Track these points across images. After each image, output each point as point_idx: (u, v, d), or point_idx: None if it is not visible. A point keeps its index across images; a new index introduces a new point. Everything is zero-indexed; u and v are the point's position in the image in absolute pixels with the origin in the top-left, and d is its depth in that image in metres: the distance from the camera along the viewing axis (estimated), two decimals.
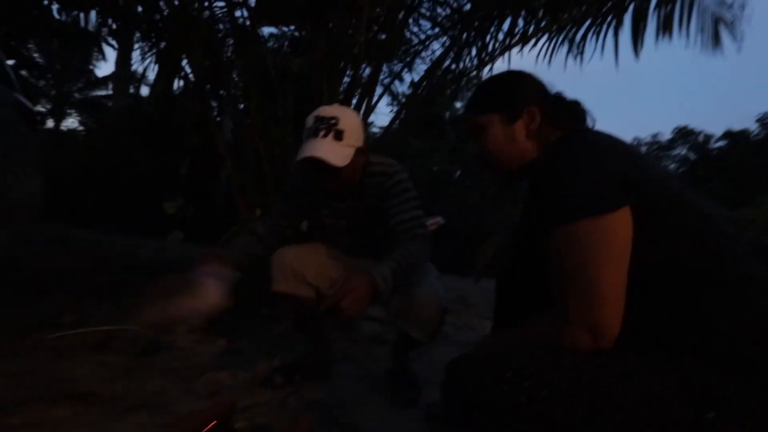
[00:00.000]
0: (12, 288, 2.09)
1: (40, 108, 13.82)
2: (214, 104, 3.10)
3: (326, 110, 1.23)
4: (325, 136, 1.18)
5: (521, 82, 0.88)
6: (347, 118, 1.22)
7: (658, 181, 0.69)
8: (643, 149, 16.56)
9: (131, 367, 1.39)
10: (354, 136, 1.22)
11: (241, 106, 2.93)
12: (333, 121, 1.19)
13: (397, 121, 3.06)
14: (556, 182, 0.70)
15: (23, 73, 9.78)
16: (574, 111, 0.87)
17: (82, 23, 3.05)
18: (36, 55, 11.93)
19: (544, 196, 0.72)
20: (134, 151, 6.58)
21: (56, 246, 3.62)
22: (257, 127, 2.40)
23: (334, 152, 1.17)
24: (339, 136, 1.19)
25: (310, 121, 1.23)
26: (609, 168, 0.68)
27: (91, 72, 14.67)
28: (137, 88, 12.13)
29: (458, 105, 14.08)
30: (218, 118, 3.00)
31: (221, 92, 2.90)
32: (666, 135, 22.87)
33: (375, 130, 7.64)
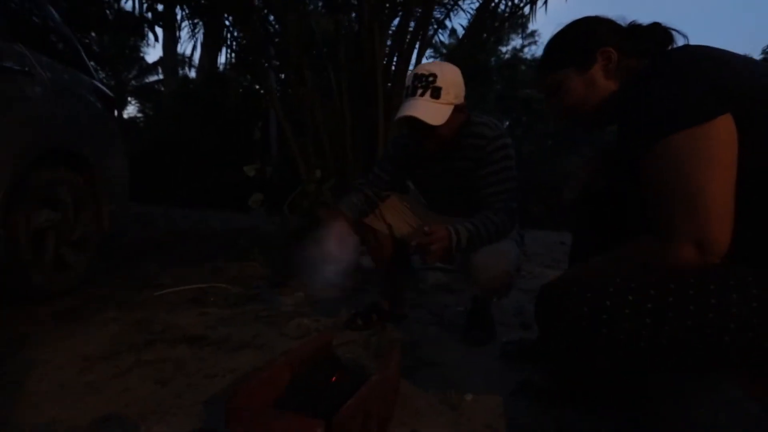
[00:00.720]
0: (118, 255, 2.38)
1: None
2: (266, 70, 3.14)
3: (424, 67, 1.21)
4: (423, 94, 1.17)
5: (585, 27, 0.85)
6: (446, 74, 1.19)
7: (760, 88, 0.64)
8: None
9: (228, 316, 1.55)
10: (452, 93, 1.19)
11: (292, 74, 2.96)
12: (431, 79, 1.18)
13: None
14: (645, 99, 0.67)
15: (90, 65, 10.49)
16: (655, 34, 0.81)
17: (130, 8, 3.18)
18: (94, 46, 12.68)
19: (634, 118, 0.69)
20: (192, 129, 6.95)
21: (138, 222, 4.03)
22: (310, 90, 2.43)
23: (430, 111, 1.16)
24: (436, 93, 1.17)
25: (408, 79, 1.22)
26: (702, 76, 0.63)
27: (142, 59, 15.41)
28: (186, 69, 12.60)
29: (504, 50, 13.18)
30: (272, 89, 3.06)
31: (269, 63, 2.94)
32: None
33: None
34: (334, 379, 0.84)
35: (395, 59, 2.54)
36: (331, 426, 0.65)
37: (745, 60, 0.69)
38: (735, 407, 0.70)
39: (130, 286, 1.89)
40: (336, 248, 1.23)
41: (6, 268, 1.48)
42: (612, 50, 0.79)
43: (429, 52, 8.24)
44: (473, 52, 3.12)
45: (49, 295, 1.63)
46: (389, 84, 2.30)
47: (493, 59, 11.53)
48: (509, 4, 2.69)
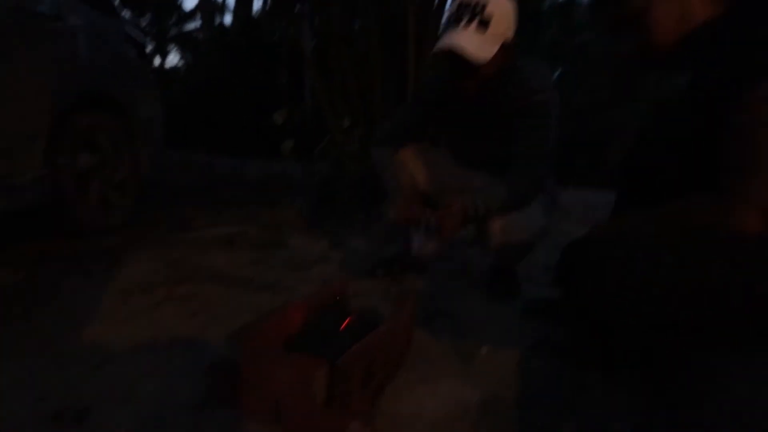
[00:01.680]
0: (157, 198, 2.50)
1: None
2: (294, 15, 3.03)
3: None
4: (468, 24, 1.02)
5: None
6: (498, 3, 1.03)
7: None
8: None
9: (255, 260, 1.60)
10: (502, 26, 1.03)
11: (321, 16, 2.82)
12: (479, 8, 1.02)
13: None
14: (752, 33, 0.55)
15: (126, 11, 10.56)
16: None
17: None
18: None
19: (733, 54, 0.57)
20: (230, 77, 6.96)
21: (178, 167, 4.21)
22: (338, 34, 2.30)
23: (475, 44, 1.01)
24: (484, 25, 1.01)
25: (453, 5, 1.06)
26: None
27: (180, 6, 15.29)
28: (221, 15, 12.40)
29: None
30: (299, 31, 2.95)
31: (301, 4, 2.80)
32: None
33: None
34: (344, 324, 0.85)
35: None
36: (334, 368, 0.65)
37: None
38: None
39: (167, 227, 1.99)
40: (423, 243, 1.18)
41: (54, 206, 1.59)
42: None
43: None
44: None
45: (93, 233, 1.75)
46: (421, 26, 2.12)
47: (547, 2, 10.45)
48: None
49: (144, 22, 14.66)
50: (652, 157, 0.84)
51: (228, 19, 12.16)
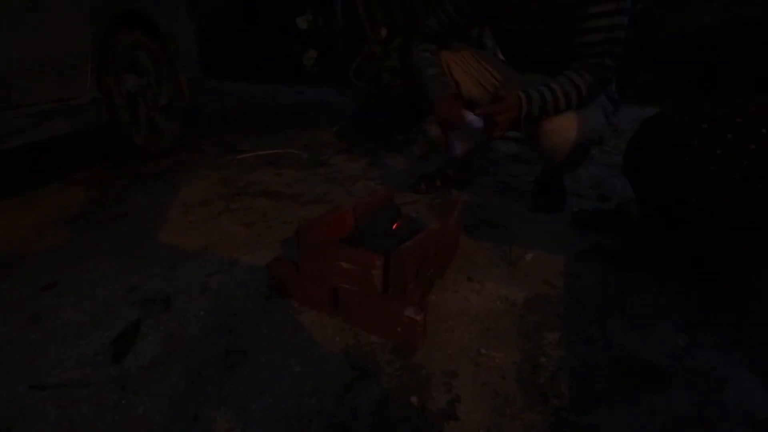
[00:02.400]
0: (201, 125, 2.56)
1: None
2: None
3: None
4: None
5: None
6: None
7: None
8: None
9: (300, 178, 1.64)
10: None
11: None
12: None
13: None
14: None
15: None
16: None
17: None
18: None
19: None
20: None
21: (218, 95, 4.22)
22: None
23: None
24: None
25: None
26: None
27: None
28: None
29: None
30: None
31: None
32: None
33: None
34: (395, 225, 0.87)
35: None
36: (389, 261, 0.68)
37: None
38: None
39: (215, 151, 2.05)
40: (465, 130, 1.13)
41: (110, 128, 1.67)
42: None
43: None
44: None
45: (148, 156, 1.85)
46: None
47: None
48: None
49: None
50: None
51: None
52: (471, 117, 1.06)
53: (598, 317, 0.81)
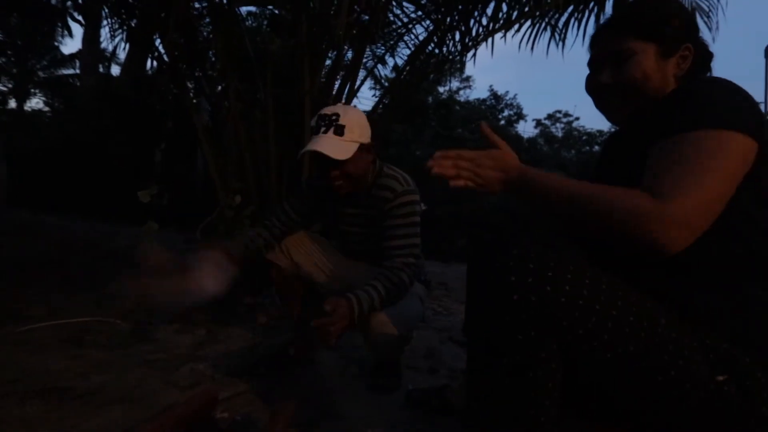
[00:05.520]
0: None
1: (0, 87, 13.07)
2: (191, 86, 2.99)
3: (328, 108, 1.25)
4: (326, 131, 1.20)
5: (684, 12, 0.81)
6: (349, 114, 1.23)
7: None
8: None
9: (108, 360, 1.35)
10: (356, 132, 1.22)
11: (219, 88, 2.83)
12: (334, 117, 1.21)
13: (381, 107, 3.02)
14: (702, 96, 0.68)
15: None
16: (707, 60, 0.81)
17: None
18: None
19: (675, 112, 0.68)
20: (105, 134, 6.30)
21: (23, 233, 3.47)
22: (236, 110, 2.32)
23: (333, 146, 1.18)
24: (340, 131, 1.20)
25: (313, 121, 1.25)
26: (751, 103, 0.67)
27: (57, 49, 13.85)
28: (107, 67, 11.55)
29: (442, 90, 14.02)
30: (195, 101, 2.89)
31: (197, 73, 2.79)
32: None
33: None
34: None
35: (337, 85, 2.56)
36: None
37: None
38: None
39: None
40: (202, 279, 1.17)
41: None
42: (690, 53, 0.77)
43: (369, 83, 8.46)
44: (410, 88, 3.24)
45: None
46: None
47: (430, 98, 12.18)
48: (440, 53, 2.86)
49: (2, 60, 12.81)
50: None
51: (115, 70, 11.27)
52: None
53: None
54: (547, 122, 17.58)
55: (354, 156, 1.20)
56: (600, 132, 16.41)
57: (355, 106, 1.33)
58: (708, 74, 0.83)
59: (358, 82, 2.71)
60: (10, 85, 13.50)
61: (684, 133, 0.66)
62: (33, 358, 1.30)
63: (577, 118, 18.50)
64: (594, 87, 0.84)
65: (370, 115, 3.06)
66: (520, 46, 2.84)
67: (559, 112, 17.60)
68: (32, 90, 14.07)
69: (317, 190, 1.41)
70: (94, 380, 1.20)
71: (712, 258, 0.68)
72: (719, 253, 0.67)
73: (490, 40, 2.87)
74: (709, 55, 0.82)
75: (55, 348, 1.39)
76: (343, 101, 2.57)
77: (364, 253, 1.41)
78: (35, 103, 14.24)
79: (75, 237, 3.73)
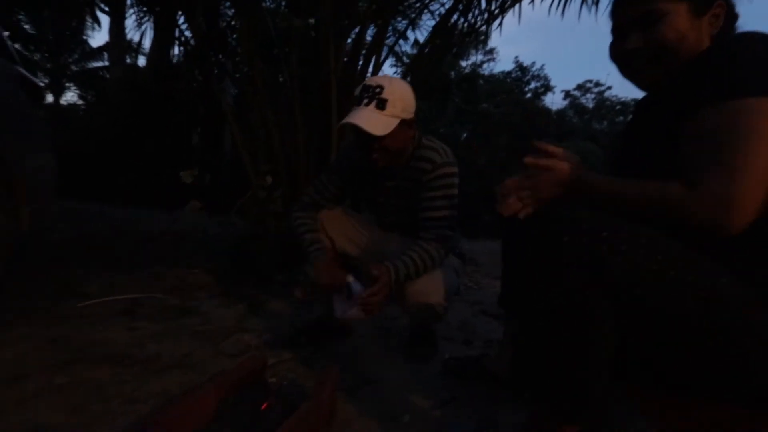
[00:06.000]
0: (37, 261, 2.16)
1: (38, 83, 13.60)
2: (216, 70, 3.03)
3: (373, 79, 1.21)
4: (368, 104, 1.17)
5: None
6: (394, 87, 1.19)
7: None
8: None
9: (161, 331, 1.45)
10: (398, 107, 1.18)
11: (245, 70, 2.86)
12: (378, 90, 1.17)
13: None
14: (730, 61, 0.64)
15: (17, 46, 9.55)
16: (733, 20, 0.78)
17: None
18: (27, 26, 11.56)
19: (712, 75, 0.65)
20: (137, 123, 6.51)
21: (70, 220, 3.69)
22: (262, 93, 2.35)
23: (373, 120, 1.15)
24: (382, 105, 1.17)
25: (357, 89, 1.22)
26: None
27: (86, 42, 14.26)
28: (134, 58, 11.81)
29: (464, 64, 13.61)
30: (221, 85, 2.94)
31: (221, 58, 2.83)
32: None
33: None
34: (264, 406, 0.80)
35: (360, 63, 2.53)
36: None
37: None
38: None
39: (51, 294, 1.71)
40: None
41: None
42: (723, 7, 0.75)
43: (391, 60, 8.31)
44: (433, 65, 3.16)
45: None
46: (346, 90, 2.28)
47: (453, 73, 11.87)
48: (465, 23, 2.77)
49: (37, 57, 13.30)
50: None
51: (142, 61, 11.51)
52: (351, 280, 1.16)
53: None
54: (576, 93, 16.83)
55: (393, 131, 1.17)
56: (634, 100, 15.56)
57: (401, 79, 1.26)
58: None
59: (381, 58, 2.67)
60: (46, 80, 14.04)
61: (722, 102, 0.62)
62: (95, 330, 1.41)
63: (609, 88, 17.61)
64: (621, 53, 0.80)
65: None
66: (549, 11, 2.71)
67: (590, 81, 16.80)
68: (66, 84, 14.59)
69: (353, 161, 1.38)
70: (151, 349, 1.30)
71: None
72: None
73: (517, 6, 2.76)
74: (735, 16, 0.78)
75: (112, 321, 1.50)
76: (368, 76, 2.56)
77: (400, 225, 1.40)
78: (70, 96, 14.78)
79: (117, 222, 3.94)
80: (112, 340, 1.34)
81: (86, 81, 13.75)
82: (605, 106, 16.08)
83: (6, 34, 2.09)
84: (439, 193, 1.26)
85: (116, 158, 6.35)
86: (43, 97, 2.22)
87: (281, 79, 2.67)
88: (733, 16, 0.78)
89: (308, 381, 1.16)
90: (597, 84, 16.57)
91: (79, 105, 13.38)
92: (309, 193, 1.42)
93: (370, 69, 2.58)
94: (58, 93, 14.45)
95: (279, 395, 0.87)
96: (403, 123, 1.21)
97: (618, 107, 15.84)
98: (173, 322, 1.54)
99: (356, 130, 1.16)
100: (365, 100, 1.18)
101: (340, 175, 1.39)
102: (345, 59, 2.56)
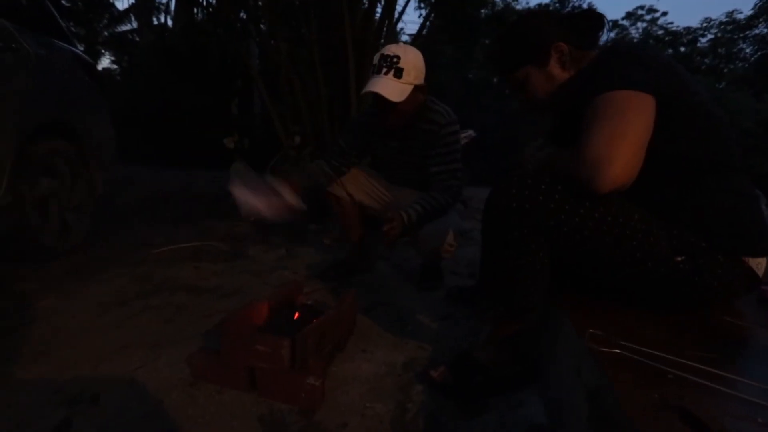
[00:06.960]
0: (112, 217, 2.59)
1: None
2: (239, 27, 3.17)
3: (391, 49, 1.39)
4: (387, 73, 1.35)
5: (535, 24, 0.97)
6: (409, 56, 1.37)
7: (682, 90, 0.83)
8: (714, 31, 13.87)
9: (219, 270, 1.81)
10: (413, 74, 1.37)
11: (266, 42, 2.98)
12: (395, 60, 1.35)
13: (428, 25, 3.00)
14: (603, 68, 0.83)
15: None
16: (590, 21, 0.96)
17: None
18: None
19: (590, 80, 0.84)
20: (172, 87, 6.83)
21: (125, 182, 4.17)
22: (286, 56, 2.53)
23: (391, 88, 1.34)
24: (399, 73, 1.35)
25: (376, 58, 1.40)
26: (642, 65, 0.81)
27: (113, 5, 14.41)
28: (162, 19, 11.91)
29: (497, 0, 12.57)
30: (246, 47, 3.12)
31: (243, 16, 2.97)
32: (745, 11, 18.72)
33: (404, 38, 7.28)
34: (297, 315, 1.12)
35: (383, 22, 2.60)
36: (293, 341, 0.92)
37: (676, 68, 0.86)
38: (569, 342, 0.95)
39: (128, 245, 2.12)
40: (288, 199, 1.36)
41: (18, 231, 1.69)
42: (563, 45, 0.94)
43: (414, 4, 7.95)
44: (460, 2, 3.13)
45: (57, 255, 1.86)
46: (359, 55, 2.41)
47: (483, 12, 11.12)
48: None
49: (71, 24, 13.66)
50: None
51: (170, 21, 11.63)
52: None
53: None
54: (625, 23, 15.09)
55: (408, 97, 1.36)
56: (687, 29, 13.95)
57: (414, 48, 1.42)
58: (604, 39, 0.97)
59: (399, 8, 2.73)
60: (82, 48, 14.42)
61: (599, 95, 0.80)
62: (170, 269, 1.79)
63: (665, 13, 15.71)
64: (523, 107, 1.03)
65: (416, 38, 3.08)
66: None
67: (641, 8, 14.93)
68: (101, 51, 14.99)
69: (367, 124, 1.60)
70: (214, 282, 1.66)
71: (667, 162, 0.83)
72: (672, 158, 0.83)
73: None
74: (591, 43, 0.95)
75: (180, 263, 1.88)
76: (384, 35, 2.66)
77: (409, 180, 1.63)
78: (107, 63, 15.19)
79: (166, 183, 4.40)
80: (184, 276, 1.72)
81: (117, 46, 14.09)
82: (653, 37, 14.45)
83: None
84: (446, 149, 1.47)
85: (158, 122, 6.77)
86: (97, 73, 2.52)
87: (304, 37, 2.80)
88: (585, 32, 0.96)
89: (333, 302, 1.48)
90: (650, 10, 14.59)
91: (114, 70, 13.87)
92: (338, 141, 1.65)
93: (385, 28, 2.66)
94: (95, 60, 14.92)
95: (309, 309, 1.18)
96: (416, 88, 1.40)
97: (668, 38, 14.23)
98: (228, 263, 1.90)
99: (376, 96, 1.36)
100: (384, 69, 1.36)
101: (354, 136, 1.63)
102: (364, 6, 2.62)
